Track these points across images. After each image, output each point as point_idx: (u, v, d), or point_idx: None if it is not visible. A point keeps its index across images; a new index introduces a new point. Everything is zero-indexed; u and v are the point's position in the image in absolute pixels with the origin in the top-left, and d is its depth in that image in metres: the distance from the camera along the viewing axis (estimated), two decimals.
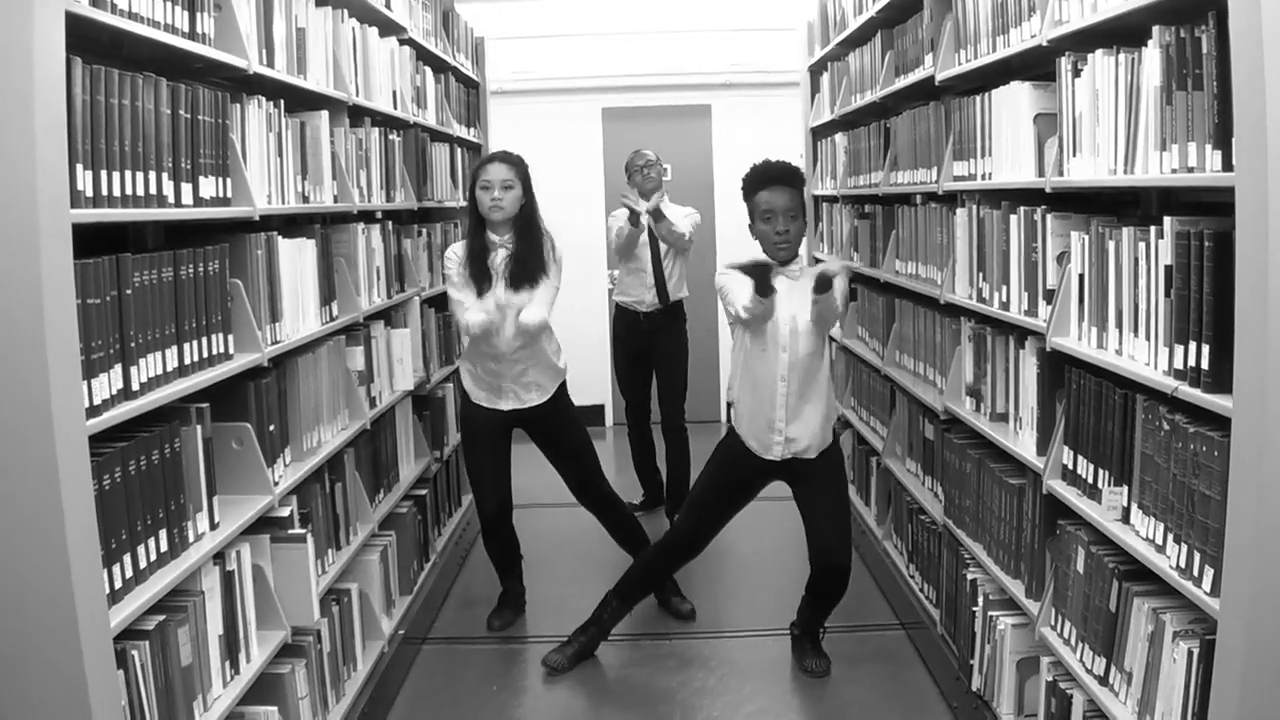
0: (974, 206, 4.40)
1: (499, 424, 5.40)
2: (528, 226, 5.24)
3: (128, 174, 2.78)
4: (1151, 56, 2.91)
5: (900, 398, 5.74)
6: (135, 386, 2.82)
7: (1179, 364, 2.84)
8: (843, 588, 4.98)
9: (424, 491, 5.79)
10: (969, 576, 4.43)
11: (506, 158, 5.29)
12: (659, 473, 7.41)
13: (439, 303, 6.52)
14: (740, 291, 4.59)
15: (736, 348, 4.91)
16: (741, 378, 4.87)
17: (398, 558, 5.22)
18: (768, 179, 4.75)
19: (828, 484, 4.91)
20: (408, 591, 5.36)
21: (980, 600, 4.28)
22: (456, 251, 5.24)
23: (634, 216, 6.62)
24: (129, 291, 2.79)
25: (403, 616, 5.16)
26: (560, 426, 5.48)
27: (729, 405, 5.06)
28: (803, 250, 4.88)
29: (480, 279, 5.16)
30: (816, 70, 8.17)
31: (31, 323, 2.33)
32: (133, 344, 2.81)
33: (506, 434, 5.46)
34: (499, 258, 5.19)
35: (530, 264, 5.17)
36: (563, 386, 5.45)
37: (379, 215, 5.33)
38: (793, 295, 4.66)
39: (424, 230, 6.21)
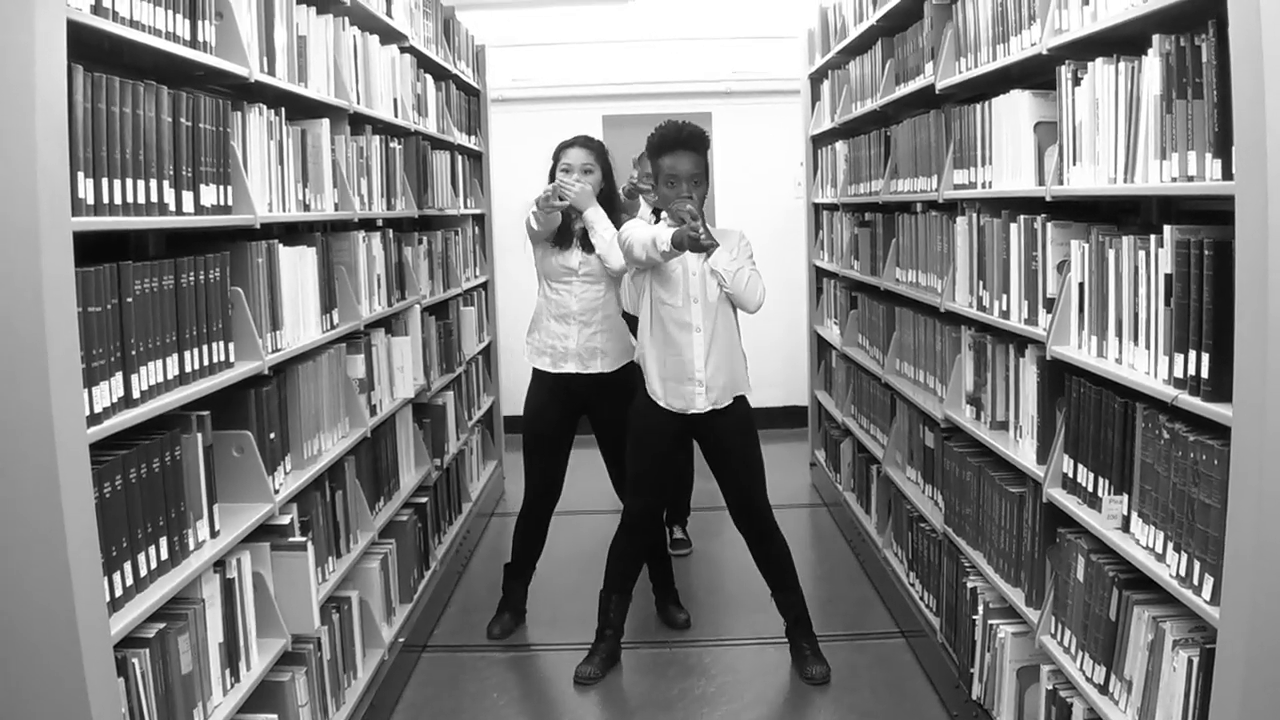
0: (974, 215, 4.40)
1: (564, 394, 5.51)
2: (609, 208, 5.35)
3: (129, 182, 2.78)
4: (1151, 65, 2.92)
5: (900, 406, 5.74)
6: (136, 394, 2.82)
7: (1179, 373, 2.85)
8: (776, 540, 5.14)
9: (424, 499, 5.79)
10: (969, 585, 4.43)
11: (588, 143, 5.38)
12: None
13: (440, 311, 6.54)
14: (647, 231, 4.78)
15: (643, 306, 4.99)
16: (651, 336, 4.94)
17: (398, 565, 5.22)
18: (672, 143, 4.84)
19: (742, 435, 5.04)
20: (408, 599, 5.35)
21: (980, 608, 4.28)
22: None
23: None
24: (130, 299, 2.80)
25: (403, 624, 5.16)
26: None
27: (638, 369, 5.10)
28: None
29: (563, 239, 5.37)
30: (817, 78, 8.18)
31: (33, 330, 2.33)
32: (133, 352, 2.81)
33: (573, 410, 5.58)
34: (578, 228, 5.35)
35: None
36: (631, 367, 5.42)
37: (380, 223, 5.33)
38: (698, 258, 4.83)
39: (424, 238, 6.21)
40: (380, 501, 5.06)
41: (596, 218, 5.25)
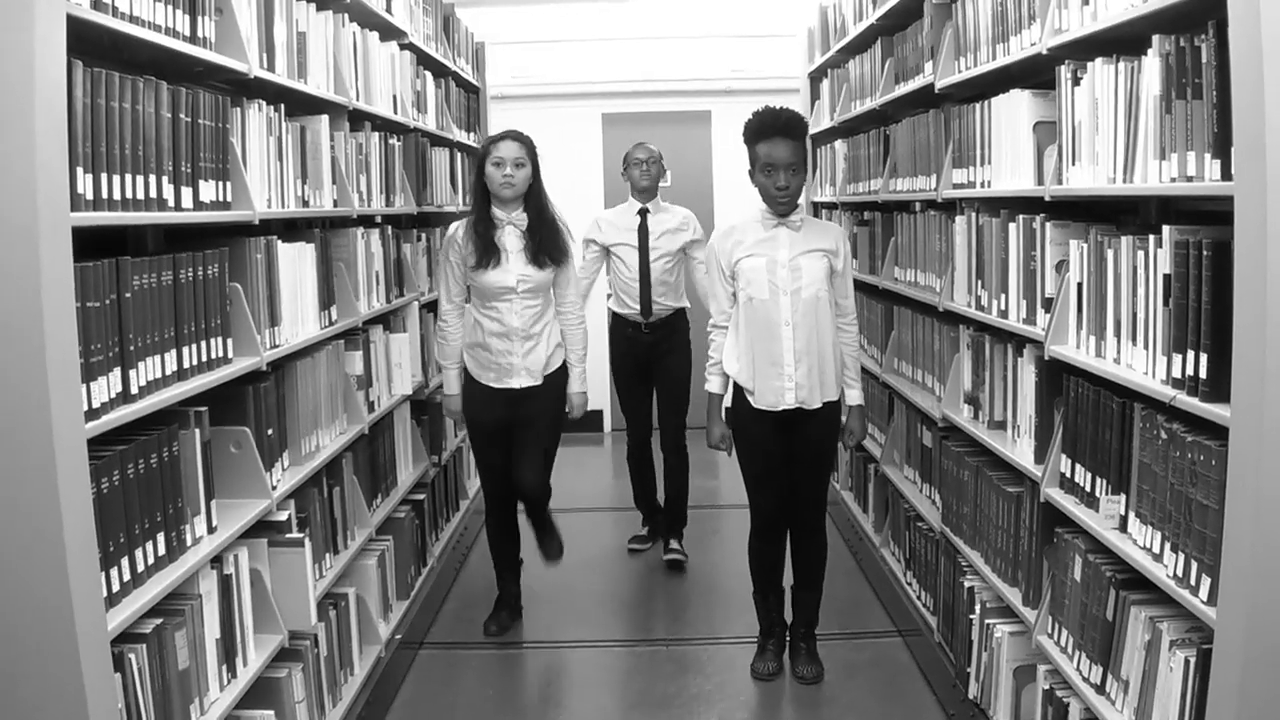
0: (973, 214, 4.40)
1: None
2: (539, 204, 5.24)
3: (128, 177, 2.78)
4: (1151, 65, 2.92)
5: (899, 405, 5.74)
6: (134, 390, 2.82)
7: (1177, 373, 2.85)
8: (820, 539, 5.03)
9: (422, 496, 5.79)
10: (966, 584, 4.43)
11: (519, 136, 5.24)
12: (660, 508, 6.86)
13: (436, 307, 6.53)
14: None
15: (735, 315, 4.82)
16: (743, 336, 4.74)
17: (395, 562, 5.22)
18: (770, 130, 4.66)
19: (821, 441, 4.86)
20: (405, 596, 5.36)
21: (978, 608, 4.28)
22: (459, 232, 5.20)
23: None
24: (128, 295, 2.80)
25: (400, 621, 5.16)
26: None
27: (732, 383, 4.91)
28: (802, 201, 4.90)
29: (486, 254, 5.13)
30: (816, 77, 8.19)
31: (31, 325, 2.33)
32: (132, 347, 2.81)
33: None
34: (507, 234, 5.16)
35: (549, 243, 5.19)
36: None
37: (379, 220, 5.33)
38: (794, 244, 4.69)
39: (423, 235, 6.21)
40: (378, 498, 5.06)
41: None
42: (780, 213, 4.69)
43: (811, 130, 8.21)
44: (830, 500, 7.44)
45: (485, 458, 5.42)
